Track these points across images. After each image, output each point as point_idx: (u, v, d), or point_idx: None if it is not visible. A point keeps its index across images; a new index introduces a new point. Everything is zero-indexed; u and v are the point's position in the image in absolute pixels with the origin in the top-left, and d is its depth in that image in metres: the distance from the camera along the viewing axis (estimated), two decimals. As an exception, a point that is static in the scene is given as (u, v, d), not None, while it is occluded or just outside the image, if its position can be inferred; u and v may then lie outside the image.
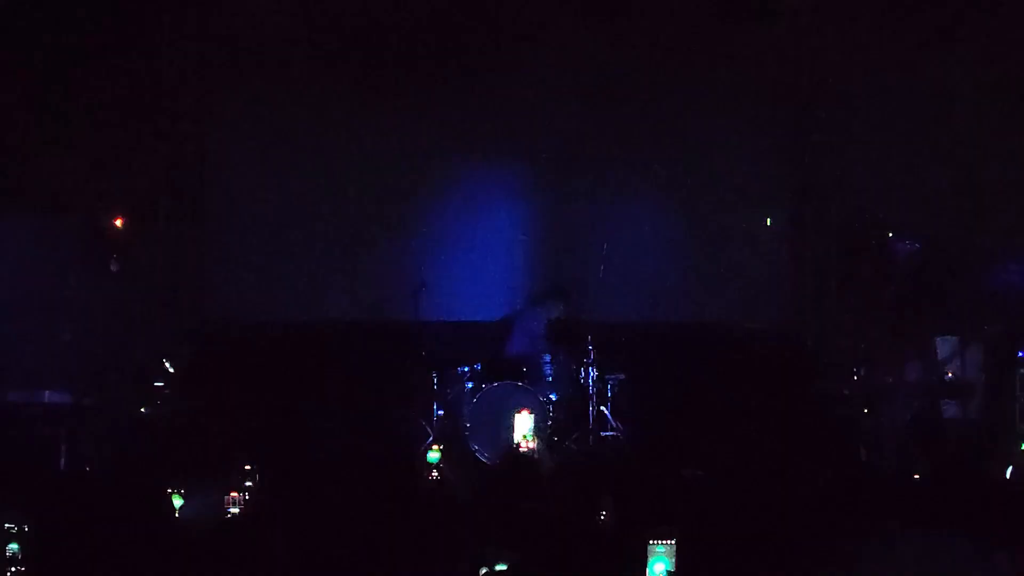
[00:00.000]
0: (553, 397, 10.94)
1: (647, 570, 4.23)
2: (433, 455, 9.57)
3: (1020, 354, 10.54)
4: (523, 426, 10.22)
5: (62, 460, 9.58)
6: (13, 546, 4.34)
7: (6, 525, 4.41)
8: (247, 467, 6.68)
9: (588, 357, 11.07)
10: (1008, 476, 9.66)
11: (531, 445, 10.07)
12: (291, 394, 11.11)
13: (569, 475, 5.65)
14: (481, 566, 4.25)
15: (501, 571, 4.18)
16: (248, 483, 6.27)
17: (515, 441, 10.14)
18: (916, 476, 9.40)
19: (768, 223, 12.57)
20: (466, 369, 11.18)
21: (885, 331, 11.40)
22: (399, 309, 11.42)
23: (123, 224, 11.76)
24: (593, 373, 11.04)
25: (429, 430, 10.90)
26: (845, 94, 12.46)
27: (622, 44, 12.14)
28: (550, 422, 10.73)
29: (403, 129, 12.20)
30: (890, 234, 12.06)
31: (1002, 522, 4.47)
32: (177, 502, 5.63)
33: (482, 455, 10.72)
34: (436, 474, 9.10)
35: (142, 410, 10.82)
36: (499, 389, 10.93)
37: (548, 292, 11.62)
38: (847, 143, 12.38)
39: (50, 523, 4.42)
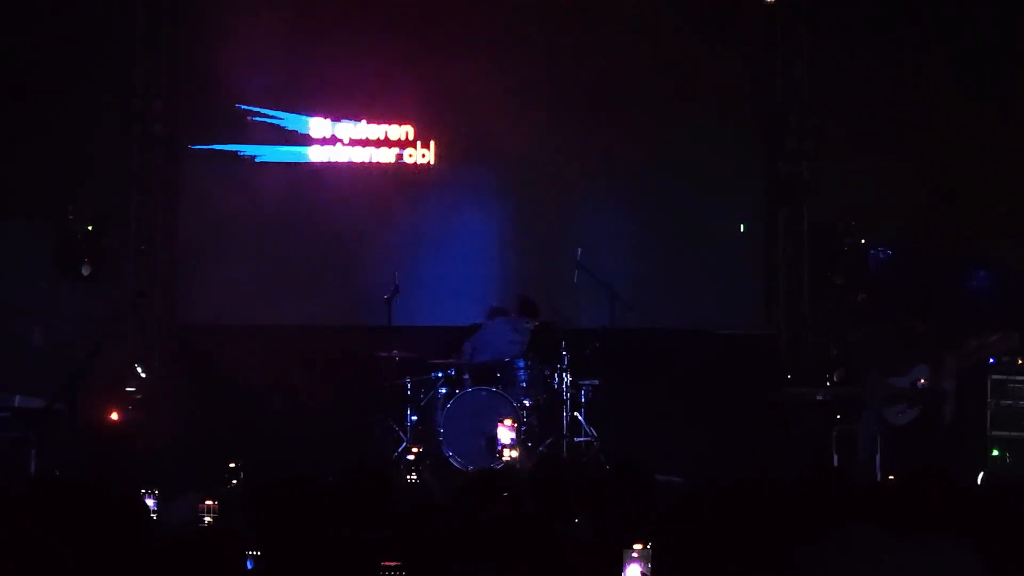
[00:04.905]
0: (527, 403, 10.93)
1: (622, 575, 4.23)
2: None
3: (991, 361, 10.59)
4: (505, 436, 10.21)
5: (32, 465, 9.51)
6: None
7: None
8: (231, 464, 6.64)
9: (562, 362, 11.06)
10: (979, 482, 9.71)
11: (513, 455, 10.07)
12: (263, 399, 11.06)
13: (543, 481, 5.64)
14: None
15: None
16: (233, 481, 6.24)
17: (497, 451, 10.13)
18: (891, 476, 9.47)
19: (742, 229, 12.60)
20: (440, 374, 11.16)
21: (857, 337, 11.44)
22: (372, 314, 11.38)
23: (94, 228, 11.69)
24: (567, 379, 11.04)
25: (403, 436, 10.87)
26: (818, 101, 12.51)
27: (596, 50, 12.16)
28: (524, 427, 10.71)
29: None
30: (863, 241, 12.12)
31: (973, 528, 4.48)
32: (150, 502, 5.59)
33: (456, 461, 10.69)
34: (415, 476, 9.10)
35: (113, 415, 10.76)
36: (473, 395, 10.92)
37: (520, 305, 11.53)
38: (820, 150, 12.43)
39: (19, 528, 4.38)
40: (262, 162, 12.17)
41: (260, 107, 12.08)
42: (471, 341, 11.46)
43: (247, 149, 12.16)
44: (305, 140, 12.27)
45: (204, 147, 12.10)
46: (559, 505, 5.37)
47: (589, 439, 11.02)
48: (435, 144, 12.34)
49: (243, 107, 11.98)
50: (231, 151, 12.13)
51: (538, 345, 11.35)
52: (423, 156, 12.35)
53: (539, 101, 12.12)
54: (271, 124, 12.15)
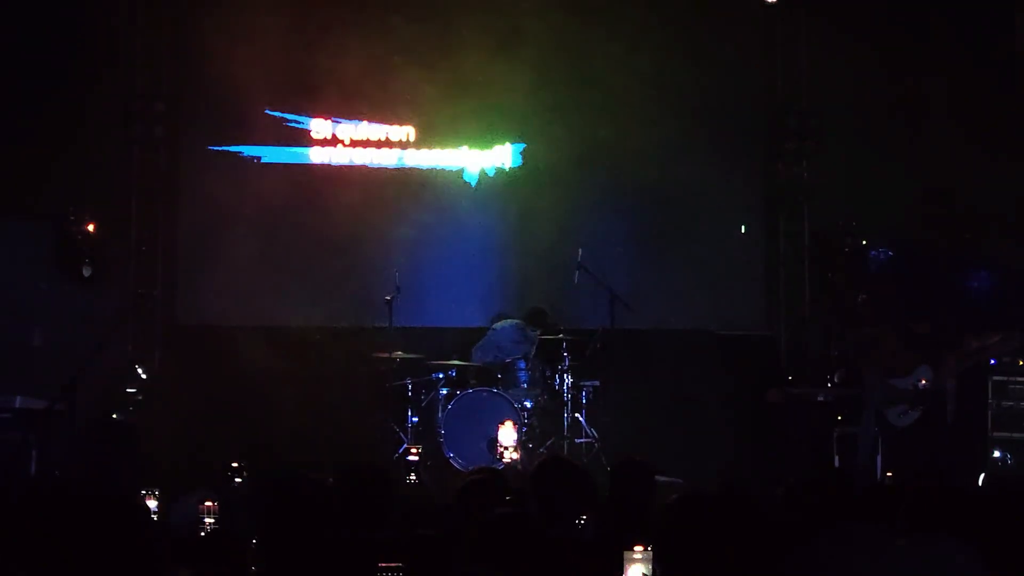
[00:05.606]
0: (528, 404, 10.93)
1: (623, 577, 4.23)
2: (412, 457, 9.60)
3: (992, 362, 10.59)
4: (507, 438, 10.21)
5: (33, 465, 9.51)
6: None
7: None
8: (234, 465, 6.63)
9: (562, 363, 11.06)
10: (980, 483, 9.71)
11: (515, 456, 10.08)
12: (264, 400, 11.06)
13: (544, 482, 5.64)
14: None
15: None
16: (237, 480, 6.23)
17: (498, 452, 10.14)
18: (888, 474, 9.48)
19: (742, 230, 12.60)
20: (440, 375, 11.15)
21: (858, 337, 11.44)
22: (374, 315, 11.38)
23: (95, 229, 11.69)
24: (568, 379, 11.04)
25: (403, 437, 10.87)
26: (818, 102, 12.51)
27: (597, 50, 12.15)
28: (524, 428, 10.72)
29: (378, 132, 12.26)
30: (863, 241, 12.12)
31: (974, 529, 4.48)
32: (152, 504, 5.59)
33: (456, 462, 10.69)
34: (414, 477, 9.10)
35: (114, 416, 10.76)
36: (473, 396, 10.92)
37: (528, 314, 11.54)
38: (820, 151, 12.43)
39: (19, 529, 4.37)
40: (263, 163, 12.17)
41: (261, 108, 12.07)
42: (479, 346, 11.50)
43: (248, 150, 12.16)
44: (306, 141, 12.27)
45: (213, 147, 12.09)
46: (560, 506, 5.37)
47: (590, 440, 11.02)
48: (436, 145, 12.34)
49: (248, 108, 11.95)
50: (232, 151, 12.13)
51: (539, 346, 11.36)
52: (424, 157, 12.34)
53: (540, 101, 12.12)
54: (272, 125, 12.15)
